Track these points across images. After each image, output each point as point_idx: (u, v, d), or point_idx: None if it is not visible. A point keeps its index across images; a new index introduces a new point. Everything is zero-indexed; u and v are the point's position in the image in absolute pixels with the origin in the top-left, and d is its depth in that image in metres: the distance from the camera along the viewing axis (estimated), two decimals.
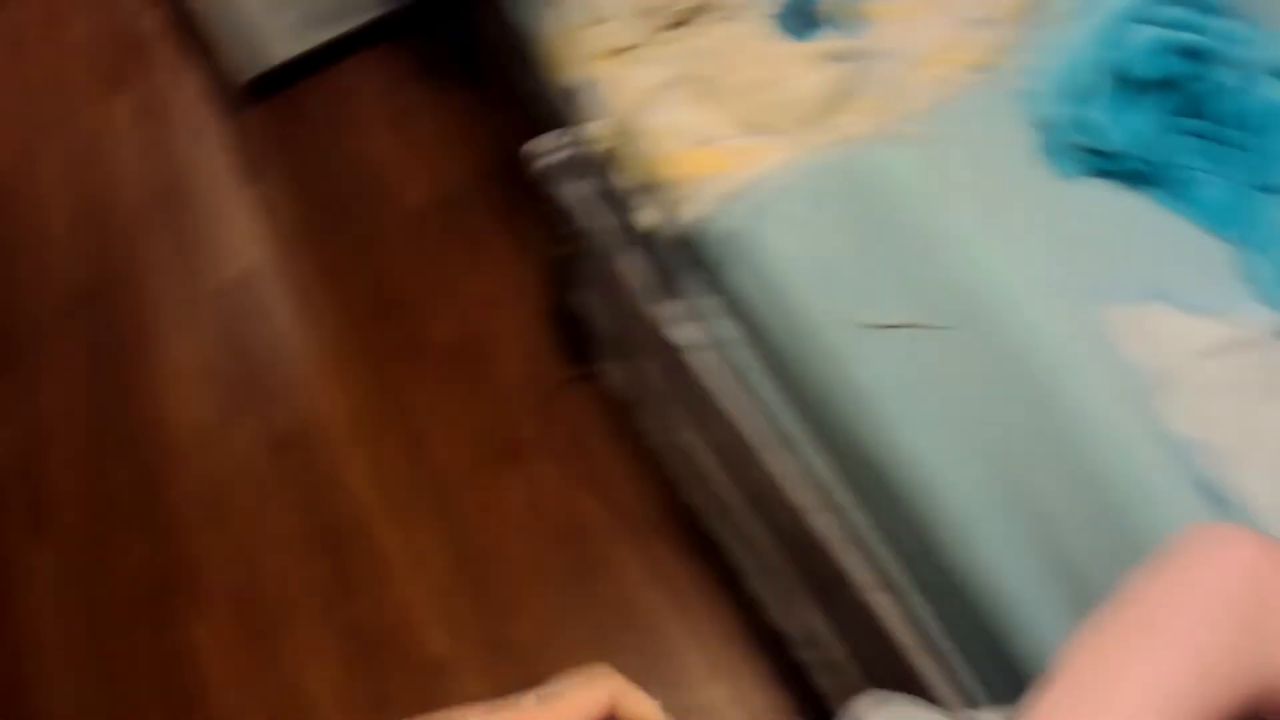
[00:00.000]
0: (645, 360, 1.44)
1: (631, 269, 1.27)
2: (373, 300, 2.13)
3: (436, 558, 1.75)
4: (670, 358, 1.24)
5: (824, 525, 1.05)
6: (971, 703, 0.92)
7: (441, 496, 1.81)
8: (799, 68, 1.09)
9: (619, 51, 1.20)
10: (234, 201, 2.40)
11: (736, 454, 1.19)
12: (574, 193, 1.36)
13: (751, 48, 1.15)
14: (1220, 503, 0.74)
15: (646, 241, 1.19)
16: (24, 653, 1.83)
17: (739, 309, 1.06)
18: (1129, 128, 0.92)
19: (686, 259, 1.12)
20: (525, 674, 1.59)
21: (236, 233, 2.35)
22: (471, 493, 1.81)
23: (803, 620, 1.31)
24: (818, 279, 0.96)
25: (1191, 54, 0.92)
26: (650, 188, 1.13)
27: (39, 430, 2.11)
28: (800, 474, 1.06)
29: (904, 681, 1.01)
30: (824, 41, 1.12)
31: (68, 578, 1.91)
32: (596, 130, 1.20)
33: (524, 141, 1.38)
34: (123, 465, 2.02)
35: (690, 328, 1.17)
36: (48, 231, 2.48)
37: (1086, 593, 0.77)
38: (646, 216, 1.15)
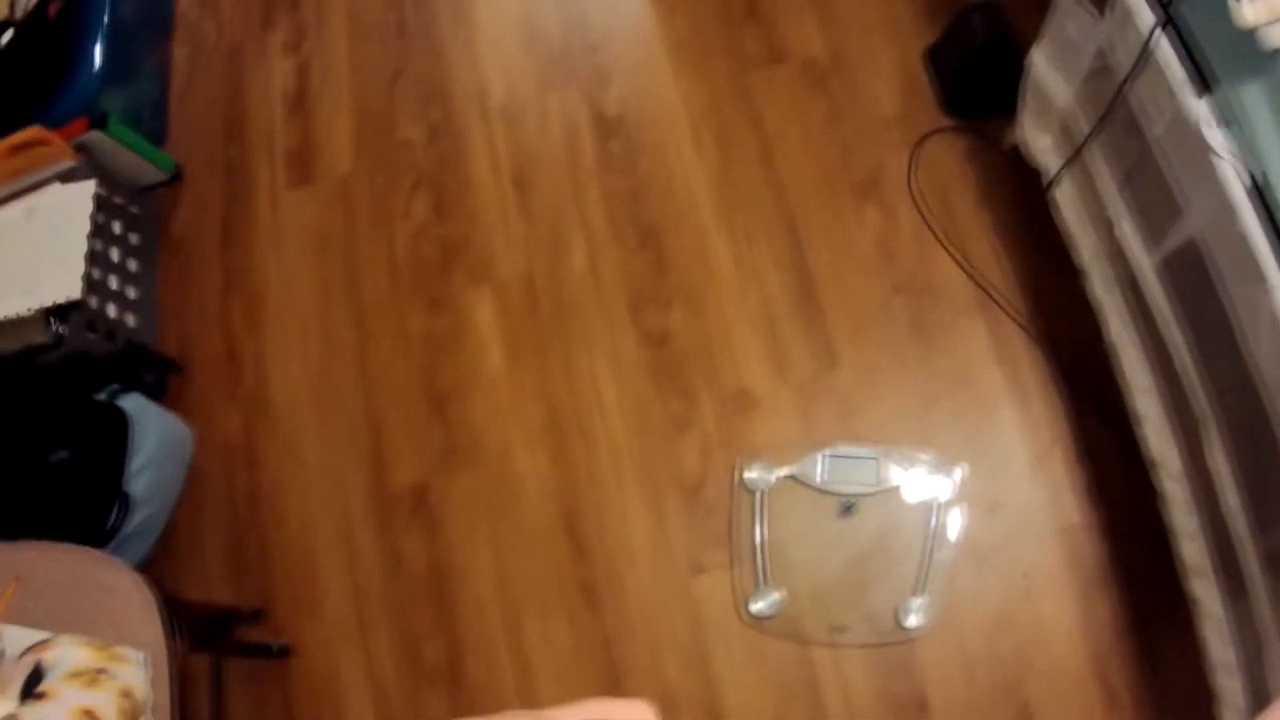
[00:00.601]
0: (1100, 142, 1.28)
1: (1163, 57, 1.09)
2: None
3: (771, 281, 1.70)
4: (1147, 151, 1.09)
5: None
6: None
7: (786, 216, 1.73)
8: None
9: None
10: None
11: (1195, 274, 1.06)
12: None
13: None
14: None
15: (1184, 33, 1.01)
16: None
17: None
18: None
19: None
20: (838, 422, 1.61)
21: None
22: (819, 218, 1.72)
23: (1189, 452, 1.23)
24: None
25: None
26: None
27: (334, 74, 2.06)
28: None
29: None
30: None
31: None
32: None
33: None
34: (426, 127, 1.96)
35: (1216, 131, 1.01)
36: None
37: None
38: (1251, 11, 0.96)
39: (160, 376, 1.82)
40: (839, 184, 1.74)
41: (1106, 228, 1.31)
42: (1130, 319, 1.33)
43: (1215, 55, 1.00)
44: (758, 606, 1.53)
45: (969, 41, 1.67)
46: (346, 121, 1.97)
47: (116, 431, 1.59)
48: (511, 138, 1.88)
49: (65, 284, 1.65)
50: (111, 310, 1.77)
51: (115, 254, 1.82)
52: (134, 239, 1.89)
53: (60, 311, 1.65)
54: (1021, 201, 1.64)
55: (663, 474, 1.63)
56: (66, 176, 1.78)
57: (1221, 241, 1.03)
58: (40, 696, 0.89)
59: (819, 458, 1.57)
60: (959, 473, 1.55)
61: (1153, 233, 1.21)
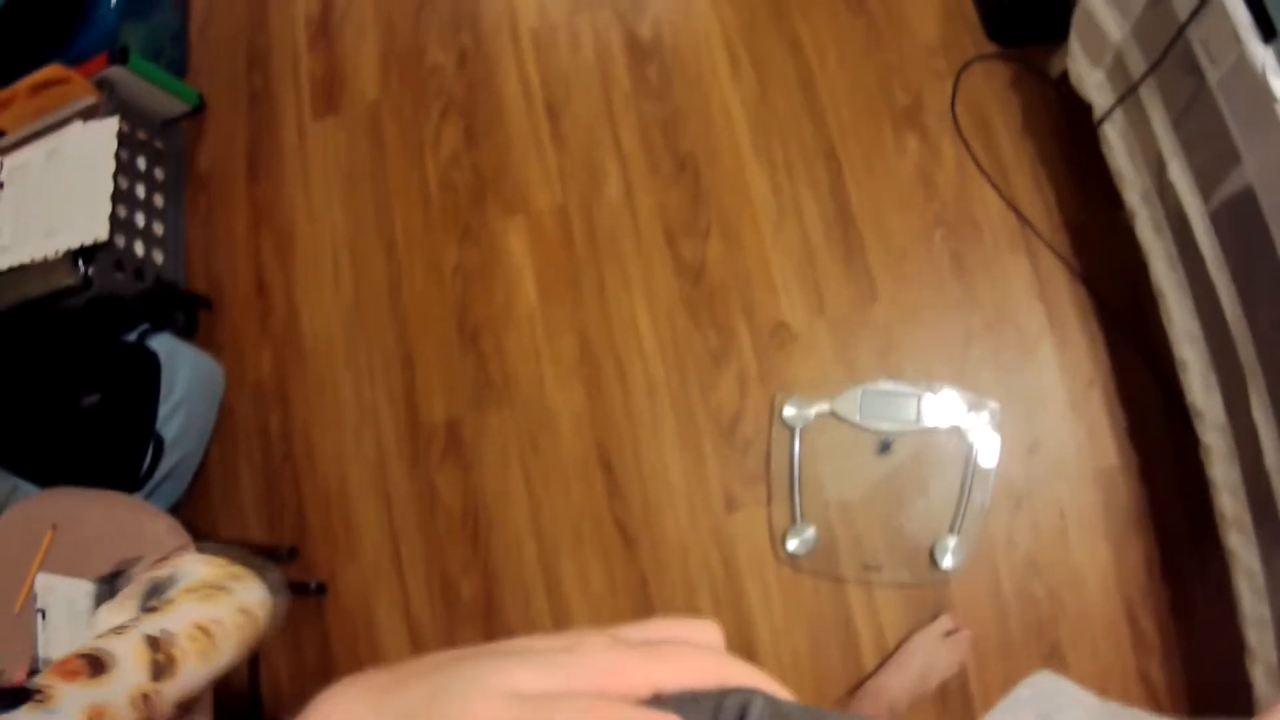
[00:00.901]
0: (1156, 81, 1.21)
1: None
2: None
3: (809, 211, 1.65)
4: (1206, 94, 1.03)
5: None
6: None
7: (825, 143, 1.67)
8: None
9: None
10: None
11: (1248, 224, 1.01)
12: None
13: None
14: None
15: None
16: None
17: None
18: None
19: None
20: (876, 357, 1.58)
21: None
22: (858, 147, 1.66)
23: (1232, 404, 1.19)
24: None
25: None
26: None
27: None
28: None
29: None
30: None
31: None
32: None
33: None
34: (455, 53, 1.90)
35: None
36: None
37: None
38: None
39: (190, 314, 1.81)
40: (879, 110, 1.67)
41: (1158, 169, 1.25)
42: (1178, 264, 1.28)
43: None
44: (793, 544, 1.52)
45: None
46: (373, 47, 1.92)
47: (147, 374, 1.59)
48: (543, 62, 1.82)
49: (91, 225, 1.63)
50: (139, 248, 1.76)
51: (141, 190, 1.80)
52: (159, 174, 1.86)
53: (87, 253, 1.63)
54: (1068, 133, 1.58)
55: (700, 409, 1.61)
56: (88, 114, 1.75)
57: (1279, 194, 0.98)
58: (156, 609, 0.89)
59: (857, 394, 1.54)
60: (997, 412, 1.52)
61: (1206, 178, 1.15)
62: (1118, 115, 1.37)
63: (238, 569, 1.06)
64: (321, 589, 1.67)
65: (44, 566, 1.12)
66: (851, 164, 1.66)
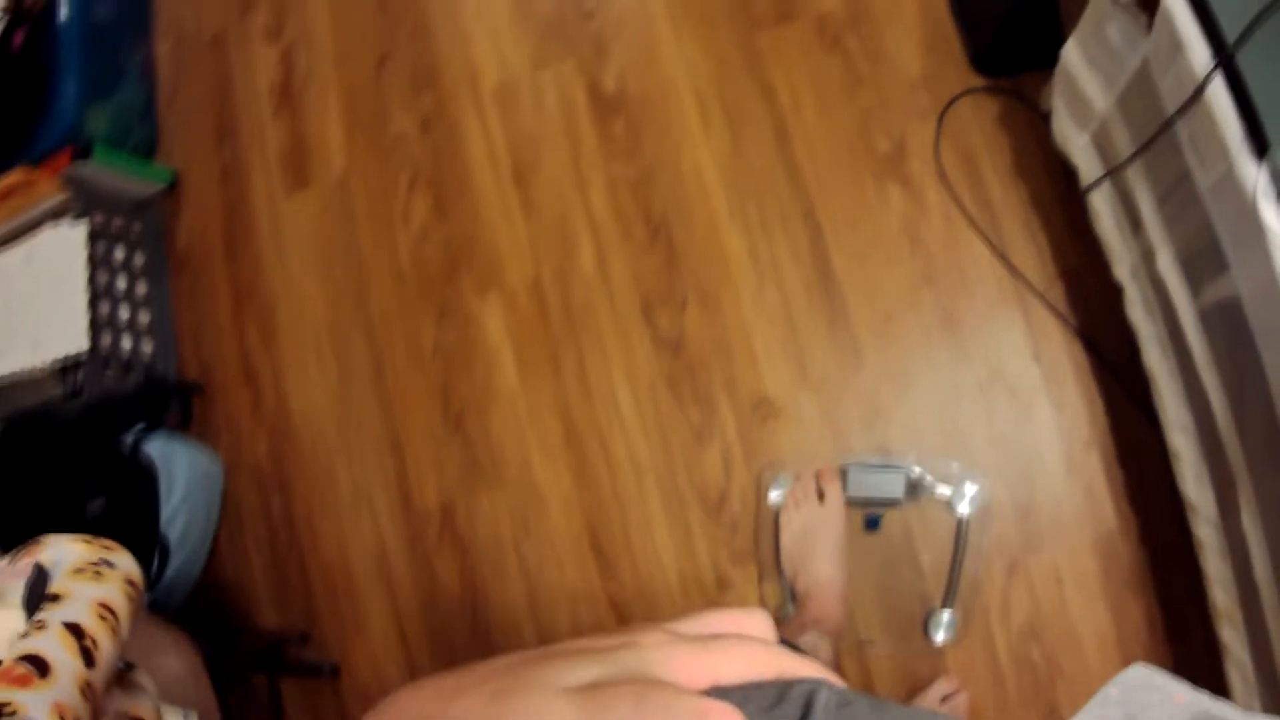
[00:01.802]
0: (1143, 164, 1.12)
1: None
2: None
3: (789, 274, 1.58)
4: (1193, 192, 0.94)
5: None
6: None
7: (803, 200, 1.60)
8: None
9: None
10: None
11: (1236, 334, 0.94)
12: None
13: None
14: None
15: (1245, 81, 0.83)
16: None
17: None
18: None
19: None
20: (863, 426, 1.53)
21: None
22: (839, 201, 1.58)
23: (1223, 503, 1.13)
24: None
25: None
26: None
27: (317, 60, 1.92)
28: None
29: None
30: None
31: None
32: None
33: None
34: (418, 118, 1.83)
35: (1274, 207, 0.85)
36: None
37: None
38: None
39: (184, 403, 1.83)
40: (860, 160, 1.58)
41: (1146, 253, 1.17)
42: (1169, 351, 1.20)
43: None
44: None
45: None
46: (336, 115, 1.87)
47: (146, 482, 1.62)
48: (507, 124, 1.76)
49: (72, 337, 1.64)
50: (126, 343, 1.77)
51: (121, 282, 1.80)
52: (138, 260, 1.86)
53: (73, 362, 1.65)
54: (1060, 171, 1.47)
55: (686, 488, 1.59)
56: (60, 211, 1.74)
57: (1267, 318, 0.91)
58: (56, 598, 0.91)
59: (844, 470, 1.51)
60: (989, 480, 1.47)
61: (1195, 275, 1.07)
62: (1105, 186, 1.28)
63: (104, 540, 1.07)
64: (335, 671, 1.72)
65: None
66: (832, 221, 1.58)
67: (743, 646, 0.35)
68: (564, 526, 1.63)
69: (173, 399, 1.82)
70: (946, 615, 1.46)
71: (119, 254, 1.81)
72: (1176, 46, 0.92)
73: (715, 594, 1.56)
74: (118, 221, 1.83)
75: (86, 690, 0.80)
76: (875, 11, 1.61)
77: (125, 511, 1.63)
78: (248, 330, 1.85)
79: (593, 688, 0.31)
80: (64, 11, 1.79)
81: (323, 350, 1.80)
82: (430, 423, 1.72)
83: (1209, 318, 1.07)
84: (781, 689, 0.38)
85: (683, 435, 1.59)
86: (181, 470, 1.69)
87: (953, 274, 1.53)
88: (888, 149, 1.58)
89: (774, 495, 1.53)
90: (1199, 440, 1.18)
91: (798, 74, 1.63)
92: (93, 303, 1.68)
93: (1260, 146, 0.85)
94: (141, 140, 1.94)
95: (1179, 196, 1.04)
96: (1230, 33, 0.85)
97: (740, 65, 1.66)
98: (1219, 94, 0.87)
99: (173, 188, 1.95)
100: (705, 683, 0.33)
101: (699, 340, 1.60)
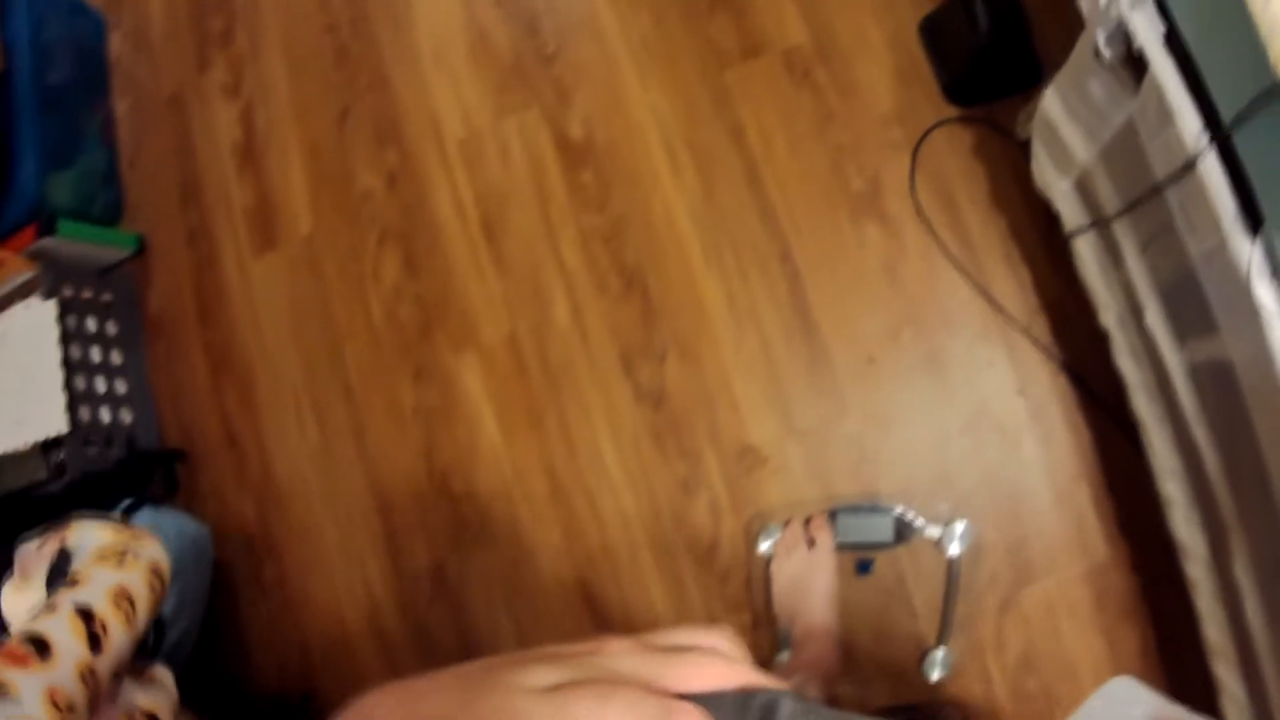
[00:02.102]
0: (1129, 221, 1.09)
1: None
2: None
3: (768, 320, 1.56)
4: (1183, 256, 0.91)
5: None
6: None
7: (779, 244, 1.57)
8: None
9: None
10: None
11: (1226, 394, 0.91)
12: None
13: None
14: None
15: (1239, 155, 0.80)
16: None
17: None
18: None
19: None
20: (850, 471, 1.51)
21: None
22: (814, 244, 1.56)
23: (1215, 549, 1.11)
24: None
25: None
26: None
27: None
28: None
29: None
30: None
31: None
32: None
33: None
34: (383, 173, 1.80)
35: (1268, 286, 0.82)
36: None
37: None
38: None
39: (168, 472, 1.82)
40: (835, 198, 1.55)
41: (1134, 308, 1.14)
42: (1158, 398, 1.18)
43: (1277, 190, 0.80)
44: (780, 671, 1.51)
45: (970, 24, 1.43)
46: (300, 172, 1.83)
47: None
48: (474, 177, 1.72)
49: (50, 418, 1.62)
50: (105, 415, 1.75)
51: (96, 353, 1.78)
52: (111, 329, 1.83)
53: (54, 442, 1.63)
54: (1040, 203, 1.45)
55: (676, 540, 1.58)
56: (29, 288, 1.72)
57: (1259, 386, 0.88)
58: (73, 582, 0.91)
59: (832, 515, 1.49)
60: (979, 517, 1.46)
61: (1185, 332, 1.05)
62: (1090, 234, 1.25)
63: (134, 529, 1.06)
64: None
65: None
66: (809, 263, 1.55)
67: (708, 657, 0.36)
68: (555, 584, 1.62)
69: (156, 468, 1.80)
70: (941, 653, 1.45)
71: (91, 325, 1.79)
72: (1166, 115, 0.88)
73: None
74: (87, 292, 1.80)
75: (88, 676, 0.80)
76: (842, 44, 1.57)
77: None
78: (226, 394, 1.83)
79: (558, 688, 0.31)
80: (19, 79, 1.75)
81: (303, 413, 1.78)
82: (416, 484, 1.70)
83: (1199, 374, 1.04)
84: (743, 698, 0.39)
85: (669, 487, 1.58)
86: (171, 541, 1.67)
87: (934, 312, 1.50)
88: (862, 186, 1.54)
89: (764, 545, 1.51)
90: (1190, 487, 1.16)
91: (767, 111, 1.59)
92: (69, 380, 1.66)
93: (1255, 223, 0.82)
94: (107, 205, 1.91)
95: (1169, 257, 1.01)
96: (1225, 108, 0.82)
97: (708, 105, 1.62)
98: (1212, 168, 0.84)
99: (141, 252, 1.92)
100: (671, 690, 0.33)
101: (680, 392, 1.58)
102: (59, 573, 0.96)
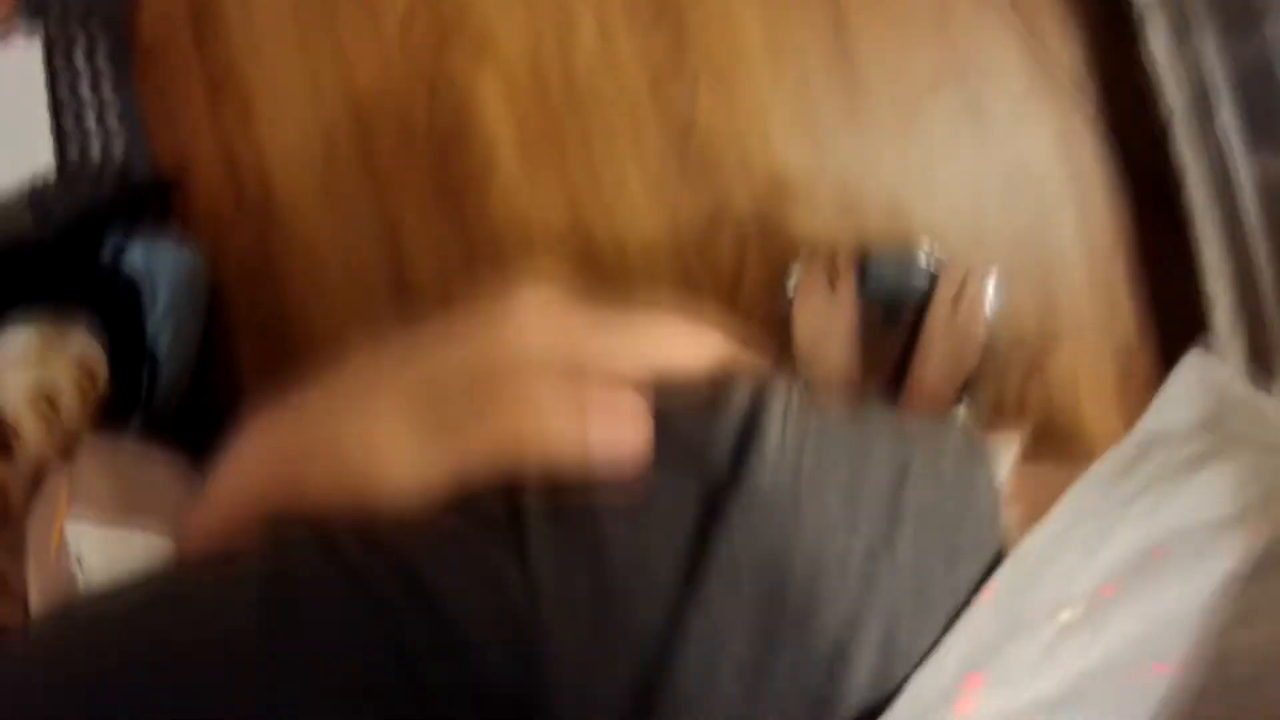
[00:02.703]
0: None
1: None
2: None
3: (808, 57, 1.50)
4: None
5: None
6: None
7: None
8: None
9: None
10: None
11: None
12: None
13: None
14: None
15: None
16: None
17: None
18: None
19: None
20: (885, 218, 1.47)
21: None
22: None
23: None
24: None
25: None
26: None
27: None
28: None
29: None
30: None
31: None
32: None
33: None
34: None
35: None
36: None
37: None
38: None
39: (162, 201, 1.73)
40: None
41: (1204, 102, 1.10)
42: (1215, 203, 1.15)
43: None
44: None
45: None
46: None
47: (129, 301, 1.53)
48: None
49: (37, 161, 1.54)
50: (95, 150, 1.65)
51: (85, 89, 1.65)
52: (100, 61, 1.69)
53: (40, 189, 1.55)
54: None
55: (699, 271, 1.56)
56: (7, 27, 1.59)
57: None
58: None
59: (863, 262, 1.47)
60: (1010, 277, 1.44)
61: (1257, 144, 1.00)
62: (1158, 16, 1.20)
63: (61, 324, 1.01)
64: None
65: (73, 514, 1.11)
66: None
67: (678, 325, 0.31)
68: None
69: (149, 198, 1.72)
70: (960, 413, 1.45)
71: (79, 60, 1.66)
72: None
73: None
74: (74, 22, 1.67)
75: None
76: None
77: (111, 335, 1.55)
78: (225, 118, 1.73)
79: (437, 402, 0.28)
80: None
81: (307, 134, 1.69)
82: (425, 208, 1.64)
83: (1272, 192, 1.01)
84: (716, 396, 0.33)
85: (694, 218, 1.55)
86: (165, 276, 1.61)
87: (981, 63, 1.46)
88: None
89: (789, 283, 1.50)
90: (1238, 299, 1.15)
91: None
92: (57, 120, 1.56)
93: None
94: None
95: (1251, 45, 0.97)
96: None
97: None
98: None
99: None
100: (620, 372, 0.29)
101: (711, 121, 1.54)
102: None
